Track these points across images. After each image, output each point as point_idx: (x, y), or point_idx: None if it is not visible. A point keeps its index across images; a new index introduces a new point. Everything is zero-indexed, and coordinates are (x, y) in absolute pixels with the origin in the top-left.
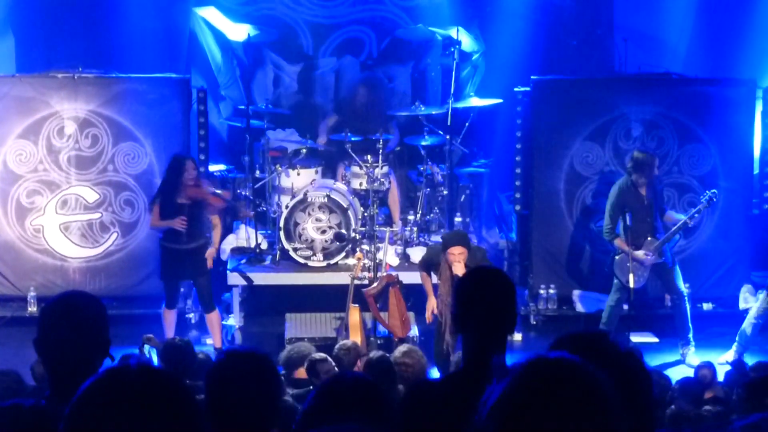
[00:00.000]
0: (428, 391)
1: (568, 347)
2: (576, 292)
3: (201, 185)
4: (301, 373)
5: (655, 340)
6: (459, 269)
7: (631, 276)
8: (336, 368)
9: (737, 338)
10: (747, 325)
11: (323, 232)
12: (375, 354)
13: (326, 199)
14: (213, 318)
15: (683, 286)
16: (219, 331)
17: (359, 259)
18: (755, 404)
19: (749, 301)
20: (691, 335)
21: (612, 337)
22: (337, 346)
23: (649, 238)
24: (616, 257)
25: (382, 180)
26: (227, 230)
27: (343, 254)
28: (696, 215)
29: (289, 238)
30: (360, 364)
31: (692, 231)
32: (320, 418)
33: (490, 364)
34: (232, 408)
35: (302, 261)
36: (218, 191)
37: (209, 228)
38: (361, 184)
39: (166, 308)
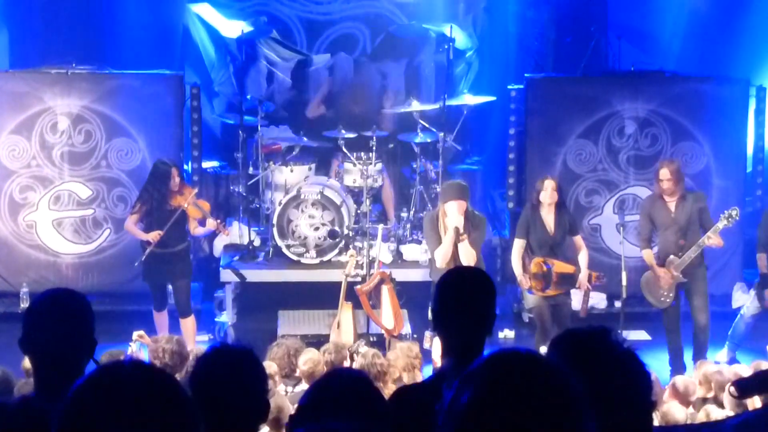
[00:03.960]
0: (413, 393)
1: (567, 344)
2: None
3: (184, 192)
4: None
5: (648, 337)
6: (456, 220)
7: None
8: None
9: (729, 337)
10: (739, 323)
11: (316, 229)
12: (368, 352)
13: (319, 196)
14: (188, 323)
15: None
16: (193, 339)
17: (352, 256)
18: (746, 403)
19: (742, 300)
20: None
21: (613, 336)
22: (321, 348)
23: (671, 257)
24: (645, 273)
25: (375, 177)
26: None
27: (336, 251)
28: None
29: (282, 234)
30: (347, 364)
31: None
32: (315, 413)
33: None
34: (218, 404)
35: (295, 258)
36: (199, 202)
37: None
38: (354, 181)
39: (155, 311)
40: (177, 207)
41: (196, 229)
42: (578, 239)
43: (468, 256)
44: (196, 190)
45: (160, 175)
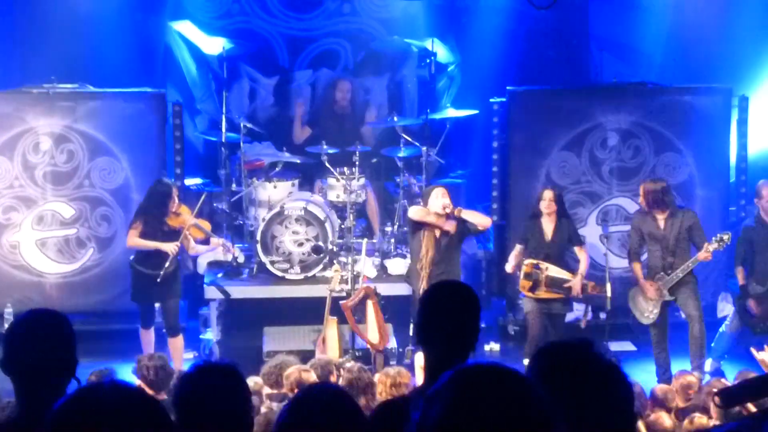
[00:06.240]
0: (395, 407)
1: (550, 357)
2: None
3: (182, 213)
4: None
5: (633, 348)
6: (444, 205)
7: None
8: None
9: (713, 346)
10: (723, 334)
11: (300, 244)
12: (354, 366)
13: (303, 212)
14: (176, 342)
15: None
16: (181, 357)
17: (337, 271)
18: (731, 412)
19: (726, 310)
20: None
21: (595, 348)
22: (308, 363)
23: (659, 274)
24: (633, 288)
25: (358, 192)
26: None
27: (321, 267)
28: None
29: (267, 251)
30: (334, 378)
31: None
32: (294, 430)
33: None
34: (201, 422)
35: (280, 274)
36: (200, 222)
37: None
38: (338, 196)
39: (142, 328)
40: (176, 228)
41: (193, 249)
42: (579, 250)
43: (474, 216)
44: (195, 211)
45: (160, 195)
